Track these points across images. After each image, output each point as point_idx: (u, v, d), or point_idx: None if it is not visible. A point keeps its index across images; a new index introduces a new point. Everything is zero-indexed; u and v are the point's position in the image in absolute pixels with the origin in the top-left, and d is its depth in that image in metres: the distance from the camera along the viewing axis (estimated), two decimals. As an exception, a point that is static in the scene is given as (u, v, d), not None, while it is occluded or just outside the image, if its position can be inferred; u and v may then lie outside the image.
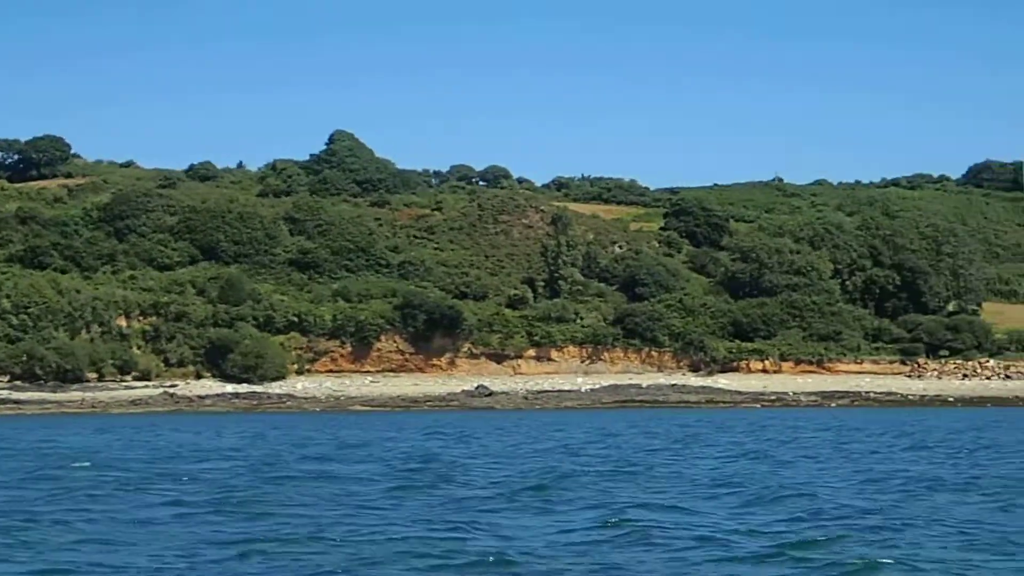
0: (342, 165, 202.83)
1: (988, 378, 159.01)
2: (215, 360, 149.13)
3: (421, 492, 42.98)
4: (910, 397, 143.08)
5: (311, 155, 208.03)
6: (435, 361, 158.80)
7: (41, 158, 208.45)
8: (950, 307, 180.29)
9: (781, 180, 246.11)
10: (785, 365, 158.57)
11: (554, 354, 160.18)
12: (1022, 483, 45.68)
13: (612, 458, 59.48)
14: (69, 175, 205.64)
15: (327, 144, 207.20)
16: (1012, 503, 38.87)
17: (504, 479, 47.94)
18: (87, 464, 55.99)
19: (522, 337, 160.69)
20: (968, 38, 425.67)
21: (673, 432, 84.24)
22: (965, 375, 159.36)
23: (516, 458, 59.56)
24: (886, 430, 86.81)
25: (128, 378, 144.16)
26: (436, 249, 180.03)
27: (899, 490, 43.57)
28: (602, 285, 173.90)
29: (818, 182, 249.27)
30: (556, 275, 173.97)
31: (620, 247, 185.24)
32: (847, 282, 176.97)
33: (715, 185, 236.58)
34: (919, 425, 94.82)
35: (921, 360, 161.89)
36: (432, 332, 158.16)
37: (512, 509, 37.87)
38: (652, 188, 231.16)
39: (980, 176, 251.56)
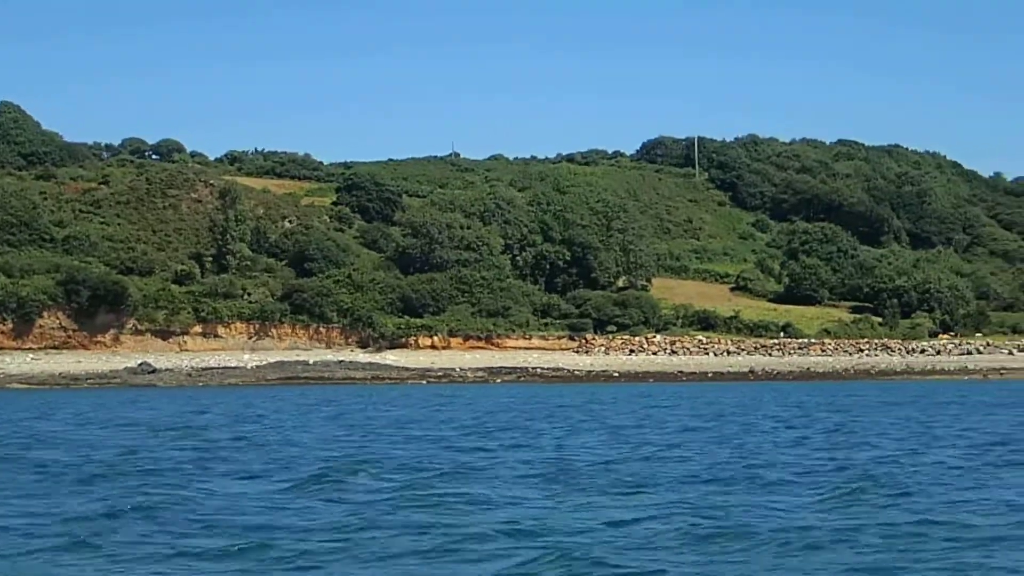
0: (6, 137, 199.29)
1: (654, 353, 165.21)
2: None
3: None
4: (577, 372, 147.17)
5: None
6: (99, 338, 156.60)
7: None
8: (620, 283, 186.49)
9: (458, 155, 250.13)
10: (454, 341, 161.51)
11: (221, 330, 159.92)
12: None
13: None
14: None
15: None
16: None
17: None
18: None
19: (188, 313, 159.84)
20: (645, 19, 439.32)
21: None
22: (632, 350, 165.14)
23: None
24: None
25: None
26: (102, 224, 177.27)
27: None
28: (271, 260, 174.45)
29: (494, 157, 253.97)
30: (224, 250, 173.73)
31: (290, 222, 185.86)
32: (518, 257, 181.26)
33: (390, 160, 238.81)
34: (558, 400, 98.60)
35: (589, 336, 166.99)
36: (96, 308, 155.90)
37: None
38: (326, 163, 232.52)
39: (654, 152, 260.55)
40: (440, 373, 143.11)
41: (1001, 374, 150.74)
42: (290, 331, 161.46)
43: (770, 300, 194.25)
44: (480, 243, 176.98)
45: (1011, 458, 45.08)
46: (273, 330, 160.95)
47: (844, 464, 42.60)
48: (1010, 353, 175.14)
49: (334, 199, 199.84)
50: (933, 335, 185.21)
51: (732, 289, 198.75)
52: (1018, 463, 43.19)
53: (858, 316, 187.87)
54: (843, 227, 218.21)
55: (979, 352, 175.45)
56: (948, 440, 53.95)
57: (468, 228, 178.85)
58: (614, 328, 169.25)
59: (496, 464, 43.34)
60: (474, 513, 30.70)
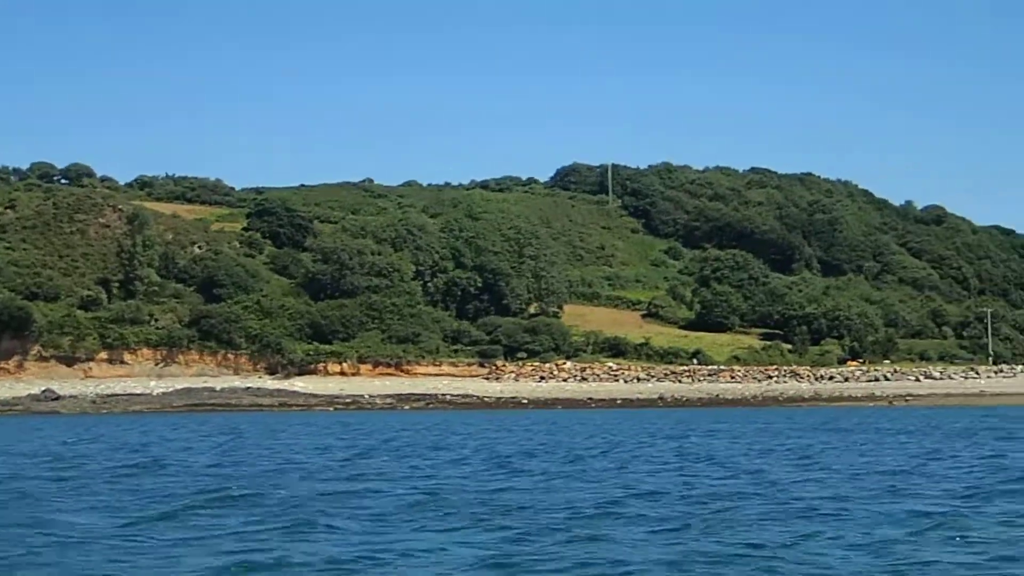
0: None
1: (565, 380, 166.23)
2: None
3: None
4: (486, 399, 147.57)
5: None
6: (2, 364, 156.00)
7: None
8: (532, 309, 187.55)
9: (371, 181, 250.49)
10: (364, 367, 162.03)
11: (127, 356, 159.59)
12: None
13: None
14: None
15: None
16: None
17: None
18: None
19: (94, 339, 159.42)
20: (560, 46, 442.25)
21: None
22: (542, 377, 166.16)
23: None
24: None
25: None
26: (8, 248, 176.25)
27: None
28: (179, 286, 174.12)
29: (408, 183, 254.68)
30: (132, 275, 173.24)
31: (200, 247, 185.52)
32: (429, 284, 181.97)
33: (302, 186, 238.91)
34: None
35: (499, 362, 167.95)
36: (0, 334, 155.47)
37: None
38: (238, 188, 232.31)
39: (567, 179, 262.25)
40: (348, 400, 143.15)
41: (907, 400, 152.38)
42: (198, 357, 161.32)
43: (681, 327, 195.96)
44: (391, 269, 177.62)
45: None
46: (180, 356, 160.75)
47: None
48: (917, 380, 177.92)
49: (245, 225, 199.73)
50: (842, 362, 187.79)
51: (644, 316, 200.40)
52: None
53: (768, 343, 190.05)
54: (755, 254, 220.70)
55: (887, 379, 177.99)
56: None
57: (379, 254, 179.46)
58: (524, 355, 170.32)
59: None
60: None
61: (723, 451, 61.76)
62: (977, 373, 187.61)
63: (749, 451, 61.60)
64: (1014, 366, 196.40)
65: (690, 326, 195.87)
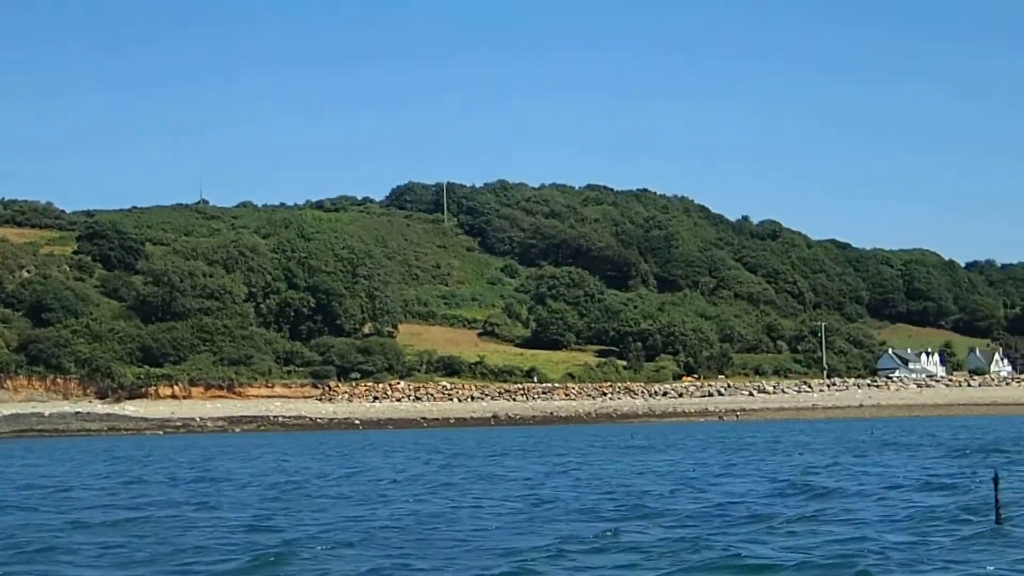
0: None
1: (398, 400, 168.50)
2: None
3: None
4: (319, 421, 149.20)
5: None
6: None
7: None
8: (366, 329, 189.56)
9: (206, 203, 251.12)
10: (195, 390, 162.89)
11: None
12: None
13: None
14: None
15: None
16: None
17: None
18: None
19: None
20: (395, 64, 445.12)
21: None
22: (376, 397, 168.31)
23: None
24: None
25: None
26: None
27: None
28: (7, 311, 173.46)
29: (242, 204, 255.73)
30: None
31: (28, 271, 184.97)
32: (262, 305, 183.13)
33: (134, 208, 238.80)
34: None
35: (333, 383, 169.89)
36: None
37: None
38: (69, 211, 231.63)
39: (403, 198, 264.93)
40: (179, 423, 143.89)
41: (737, 416, 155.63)
42: (26, 383, 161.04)
43: (517, 345, 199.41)
44: (223, 291, 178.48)
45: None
46: (8, 382, 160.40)
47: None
48: (750, 394, 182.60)
49: (75, 248, 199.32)
50: (677, 377, 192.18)
51: (480, 334, 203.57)
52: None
53: (603, 360, 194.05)
54: (591, 271, 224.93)
55: (720, 394, 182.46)
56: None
57: (211, 276, 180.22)
58: (358, 375, 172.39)
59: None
60: None
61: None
62: (810, 387, 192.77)
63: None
64: (846, 379, 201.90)
65: (526, 344, 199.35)
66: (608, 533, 30.40)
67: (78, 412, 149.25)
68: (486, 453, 77.92)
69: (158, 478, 58.48)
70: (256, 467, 66.72)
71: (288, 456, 79.87)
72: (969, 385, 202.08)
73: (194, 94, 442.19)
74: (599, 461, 64.76)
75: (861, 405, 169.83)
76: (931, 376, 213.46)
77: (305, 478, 55.79)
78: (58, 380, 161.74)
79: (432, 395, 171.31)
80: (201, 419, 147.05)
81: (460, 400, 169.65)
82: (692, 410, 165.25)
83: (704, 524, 32.57)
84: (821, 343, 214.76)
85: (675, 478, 50.56)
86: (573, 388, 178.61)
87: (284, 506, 41.31)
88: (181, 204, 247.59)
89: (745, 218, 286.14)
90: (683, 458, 66.15)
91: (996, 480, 30.01)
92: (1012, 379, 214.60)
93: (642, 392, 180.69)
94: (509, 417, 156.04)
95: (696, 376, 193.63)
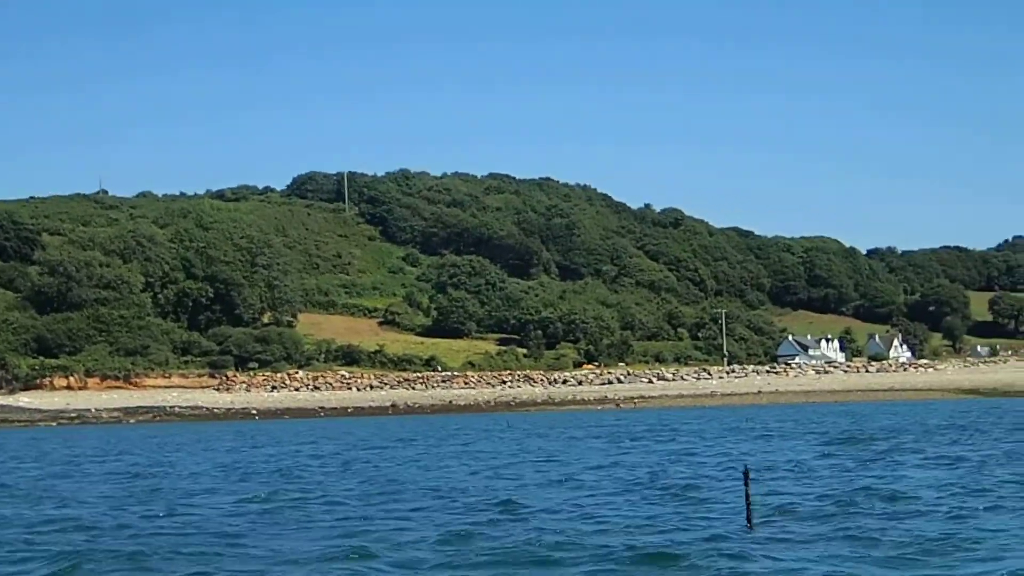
0: None
1: (297, 389, 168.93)
2: None
3: None
4: (216, 411, 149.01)
5: None
6: None
7: None
8: (265, 319, 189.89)
9: (105, 192, 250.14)
10: (91, 381, 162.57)
11: None
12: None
13: None
14: None
15: None
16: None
17: None
18: None
19: None
20: (297, 54, 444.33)
21: None
22: (274, 387, 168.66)
23: None
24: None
25: None
26: None
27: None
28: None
29: (142, 194, 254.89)
30: None
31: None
32: (159, 295, 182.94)
33: (32, 198, 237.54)
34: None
35: (230, 373, 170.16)
36: None
37: None
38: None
39: (304, 187, 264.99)
40: (74, 414, 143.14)
41: (635, 403, 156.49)
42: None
43: (418, 334, 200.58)
44: (120, 281, 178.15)
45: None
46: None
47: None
48: (650, 382, 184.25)
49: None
50: (577, 365, 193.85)
51: (380, 323, 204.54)
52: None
53: (504, 348, 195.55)
54: (493, 260, 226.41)
55: (620, 381, 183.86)
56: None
57: (108, 266, 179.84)
58: (256, 365, 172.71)
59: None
60: None
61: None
62: (709, 374, 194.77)
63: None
64: (745, 366, 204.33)
65: (427, 333, 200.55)
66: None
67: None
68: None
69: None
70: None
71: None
72: (867, 371, 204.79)
73: (95, 86, 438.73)
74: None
75: (759, 392, 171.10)
76: (830, 362, 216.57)
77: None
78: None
79: (331, 384, 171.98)
80: (96, 410, 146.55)
81: (359, 389, 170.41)
82: (591, 398, 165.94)
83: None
84: (722, 330, 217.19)
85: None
86: (473, 376, 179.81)
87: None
88: (80, 194, 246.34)
89: (647, 206, 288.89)
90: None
91: (747, 477, 27.83)
92: (910, 365, 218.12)
93: (541, 380, 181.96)
94: (408, 406, 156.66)
95: (596, 364, 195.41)
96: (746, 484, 27.39)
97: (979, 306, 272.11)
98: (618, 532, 28.38)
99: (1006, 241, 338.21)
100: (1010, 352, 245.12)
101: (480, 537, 27.76)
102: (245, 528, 31.38)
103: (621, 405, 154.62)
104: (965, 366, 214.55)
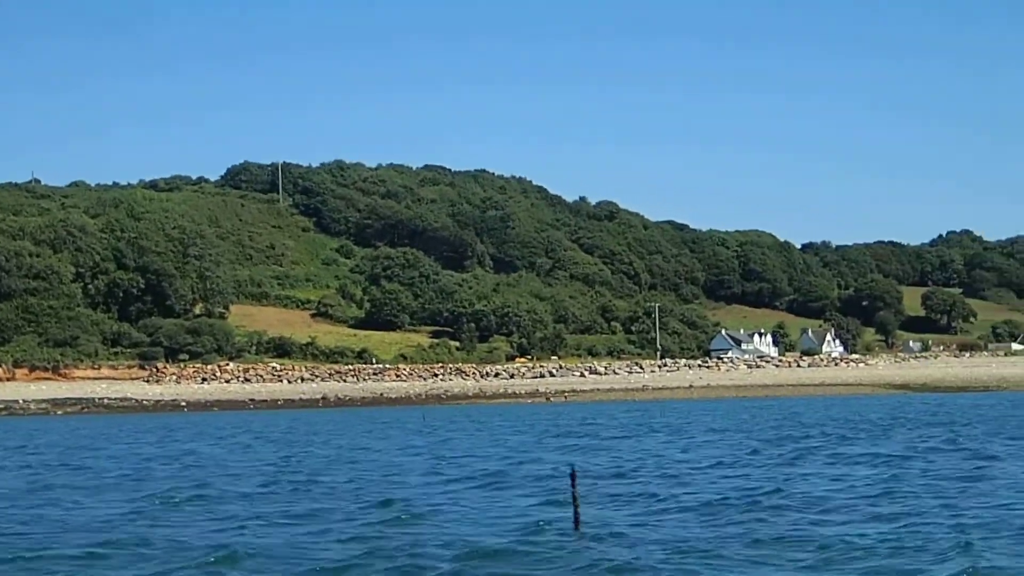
0: None
1: (227, 381, 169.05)
2: None
3: None
4: (145, 403, 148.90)
5: None
6: None
7: None
8: (197, 310, 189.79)
9: (38, 182, 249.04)
10: (20, 372, 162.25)
11: None
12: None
13: None
14: None
15: None
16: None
17: None
18: None
19: None
20: (231, 45, 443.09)
21: None
22: (204, 379, 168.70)
23: None
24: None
25: None
26: None
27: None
28: None
29: (75, 184, 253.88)
30: None
31: None
32: (90, 286, 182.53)
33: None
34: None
35: (160, 364, 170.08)
36: None
37: None
38: None
39: (238, 178, 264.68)
40: (1, 406, 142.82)
41: (566, 397, 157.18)
42: None
43: (351, 326, 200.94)
44: (49, 271, 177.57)
45: None
46: None
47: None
48: (582, 375, 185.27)
49: None
50: (510, 359, 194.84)
51: (313, 315, 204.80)
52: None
53: (436, 341, 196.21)
54: (427, 252, 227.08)
55: (552, 375, 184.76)
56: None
57: (37, 256, 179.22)
58: (187, 356, 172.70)
59: None
60: None
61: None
62: (641, 368, 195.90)
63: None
64: (678, 360, 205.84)
65: (360, 325, 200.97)
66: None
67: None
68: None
69: None
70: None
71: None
72: (799, 366, 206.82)
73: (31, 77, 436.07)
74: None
75: (691, 386, 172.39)
76: (762, 357, 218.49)
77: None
78: None
79: (262, 376, 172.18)
80: (24, 401, 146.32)
81: (290, 382, 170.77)
82: (523, 391, 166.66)
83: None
84: (655, 324, 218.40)
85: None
86: (405, 369, 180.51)
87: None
88: (11, 183, 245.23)
89: (582, 199, 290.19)
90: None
91: (573, 477, 26.18)
92: (842, 359, 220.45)
93: (473, 373, 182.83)
94: (339, 399, 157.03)
95: (529, 357, 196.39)
96: (573, 485, 26.02)
97: (912, 301, 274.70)
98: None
99: (940, 236, 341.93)
100: (941, 348, 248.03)
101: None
102: None
103: (552, 399, 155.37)
104: (896, 362, 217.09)
